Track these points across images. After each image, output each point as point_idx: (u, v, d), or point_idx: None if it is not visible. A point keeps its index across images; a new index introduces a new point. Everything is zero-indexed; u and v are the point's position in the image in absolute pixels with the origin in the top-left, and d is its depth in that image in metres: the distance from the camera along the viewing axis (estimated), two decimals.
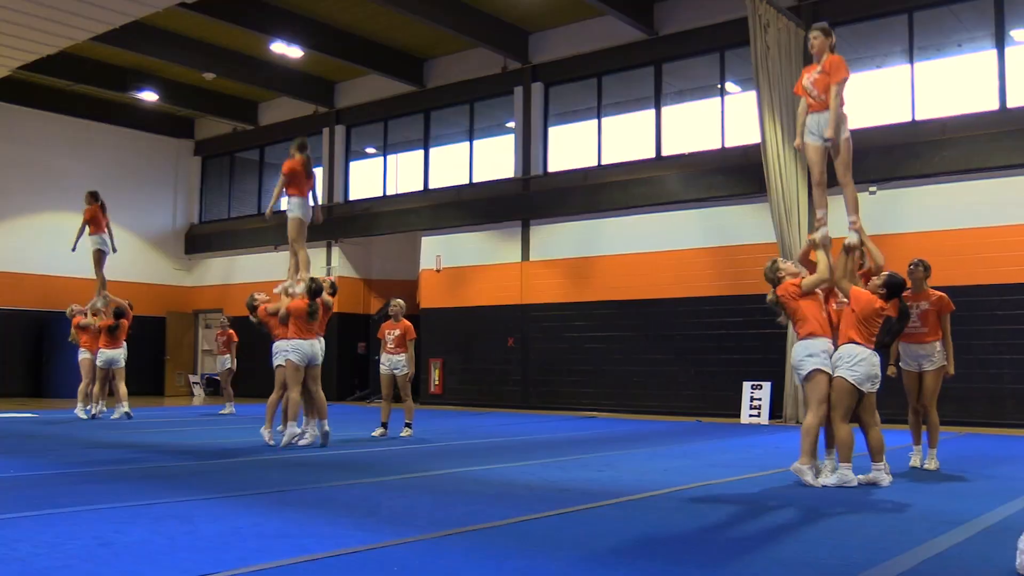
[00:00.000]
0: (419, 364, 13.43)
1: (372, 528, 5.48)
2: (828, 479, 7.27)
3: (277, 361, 10.81)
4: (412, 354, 12.36)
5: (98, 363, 15.33)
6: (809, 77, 8.07)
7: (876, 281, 7.57)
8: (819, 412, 7.37)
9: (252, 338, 22.14)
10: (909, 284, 8.71)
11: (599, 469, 8.64)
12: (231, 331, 17.88)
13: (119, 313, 15.59)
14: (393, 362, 12.20)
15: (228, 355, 17.70)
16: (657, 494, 6.99)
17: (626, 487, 7.35)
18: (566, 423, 15.49)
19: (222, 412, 16.98)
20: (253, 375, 22.95)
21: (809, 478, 7.31)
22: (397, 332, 12.19)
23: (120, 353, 15.42)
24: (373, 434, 12.11)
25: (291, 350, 10.67)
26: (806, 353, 7.45)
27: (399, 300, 12.67)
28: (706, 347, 16.85)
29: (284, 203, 11.93)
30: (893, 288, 7.54)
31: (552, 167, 19.75)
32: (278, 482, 7.64)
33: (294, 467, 8.86)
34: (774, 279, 7.76)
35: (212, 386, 25.83)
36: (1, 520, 5.58)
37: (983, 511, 6.22)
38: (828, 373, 7.37)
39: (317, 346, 10.88)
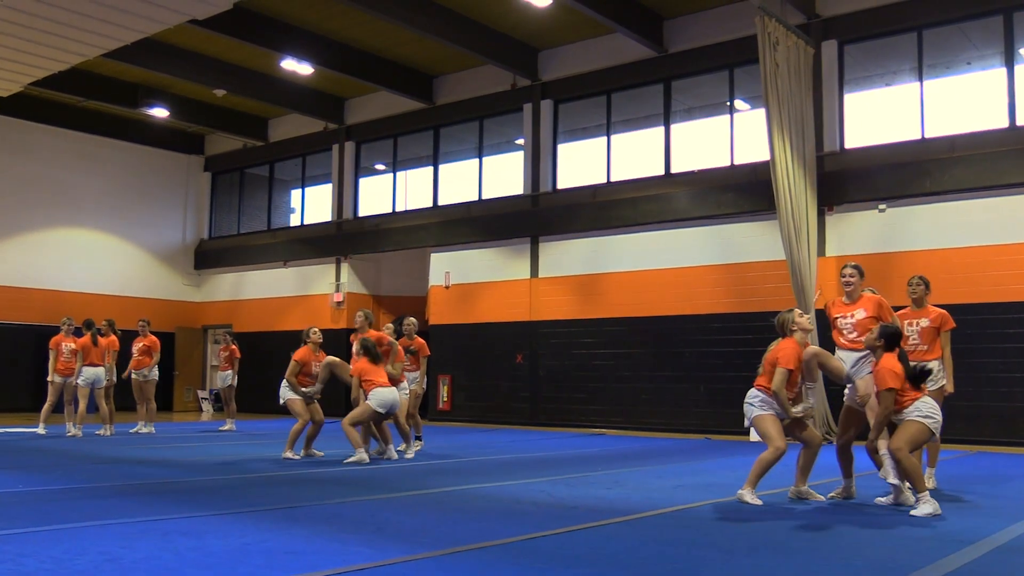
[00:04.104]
0: (427, 380, 13.54)
1: (380, 545, 5.47)
2: (922, 509, 6.90)
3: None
4: (424, 370, 12.71)
5: (80, 382, 14.84)
6: (845, 317, 7.89)
7: (871, 337, 7.35)
8: (776, 447, 7.40)
9: (256, 354, 22.33)
10: (908, 308, 8.67)
11: (608, 487, 8.61)
12: (234, 346, 17.79)
13: (90, 325, 15.32)
14: (409, 378, 12.36)
15: (230, 371, 17.51)
16: (666, 512, 6.97)
17: (635, 505, 7.33)
18: (574, 440, 15.45)
19: (222, 429, 16.82)
20: (256, 391, 22.99)
21: (749, 499, 7.36)
22: (412, 350, 12.40)
23: (104, 371, 15.08)
24: (412, 452, 12.15)
25: (373, 400, 10.74)
26: (747, 400, 7.76)
27: (412, 318, 12.82)
28: (715, 364, 16.80)
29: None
30: (890, 339, 7.25)
31: (561, 184, 19.77)
32: (286, 498, 7.63)
33: (302, 483, 8.85)
34: (783, 331, 7.70)
35: (220, 401, 25.83)
36: (8, 535, 5.59)
37: (994, 530, 6.18)
38: (768, 413, 7.55)
39: (396, 394, 11.07)
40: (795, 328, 7.64)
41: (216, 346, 26.38)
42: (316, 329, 11.97)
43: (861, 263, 8.29)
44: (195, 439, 14.83)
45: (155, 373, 15.98)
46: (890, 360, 7.14)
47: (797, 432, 7.68)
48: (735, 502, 7.46)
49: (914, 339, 8.46)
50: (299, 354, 11.63)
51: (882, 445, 7.38)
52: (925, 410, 7.11)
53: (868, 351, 7.55)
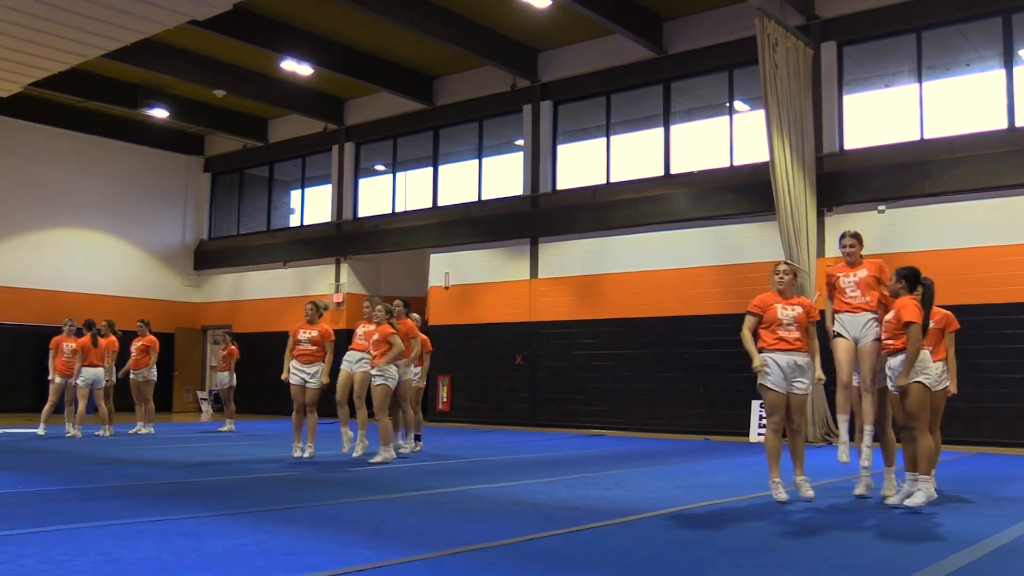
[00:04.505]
0: (427, 381, 13.55)
1: (379, 546, 5.47)
2: (916, 498, 7.11)
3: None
4: (427, 367, 12.83)
5: (79, 382, 14.82)
6: (847, 276, 7.89)
7: (892, 281, 7.46)
8: (771, 421, 7.66)
9: (256, 355, 22.31)
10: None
11: (607, 487, 8.61)
12: (233, 347, 17.75)
13: (90, 325, 15.33)
14: (411, 373, 12.33)
15: (228, 371, 17.42)
16: (666, 512, 6.96)
17: (634, 506, 7.33)
18: (574, 441, 15.45)
19: (221, 430, 16.80)
20: (255, 392, 22.99)
21: (774, 493, 7.54)
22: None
23: (103, 372, 15.08)
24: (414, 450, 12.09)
25: (390, 379, 10.87)
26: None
27: (415, 314, 12.79)
28: (715, 365, 16.80)
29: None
30: (911, 279, 7.43)
31: (561, 185, 19.77)
32: (285, 499, 7.63)
33: (301, 484, 8.85)
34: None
35: (219, 402, 25.78)
36: (7, 536, 5.59)
37: (994, 531, 6.18)
38: (770, 388, 7.62)
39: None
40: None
41: (216, 347, 26.40)
42: (308, 304, 11.97)
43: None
44: (194, 440, 14.82)
45: (153, 373, 15.97)
46: (912, 299, 7.27)
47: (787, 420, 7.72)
48: (734, 503, 7.47)
49: None
50: (292, 327, 11.84)
51: (868, 416, 7.53)
52: (919, 367, 7.20)
53: (874, 314, 7.68)
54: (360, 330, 11.60)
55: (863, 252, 8.16)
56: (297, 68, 20.08)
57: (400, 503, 7.41)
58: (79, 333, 15.22)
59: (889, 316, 7.48)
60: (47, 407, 15.27)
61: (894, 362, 7.39)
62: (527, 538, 5.75)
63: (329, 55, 19.85)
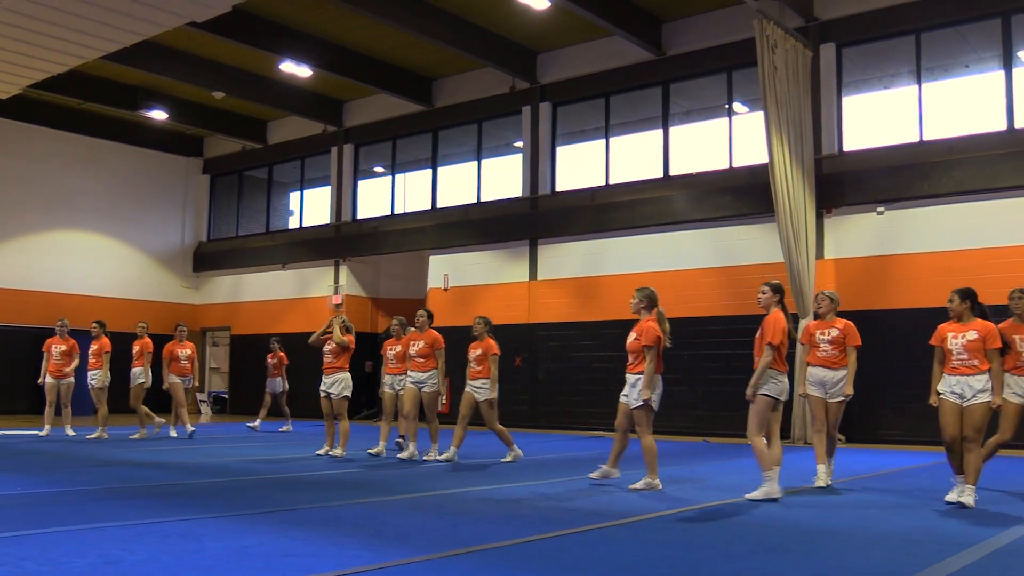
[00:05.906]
0: None
1: (379, 547, 5.47)
2: (967, 498, 7.42)
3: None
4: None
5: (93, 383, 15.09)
6: (823, 333, 8.82)
7: (960, 305, 7.93)
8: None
9: (256, 357, 22.28)
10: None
11: (607, 489, 8.61)
12: (282, 353, 18.24)
13: (102, 325, 15.43)
14: (415, 378, 12.27)
15: (280, 377, 18.12)
16: (664, 514, 6.97)
17: (633, 507, 7.33)
18: (573, 443, 15.45)
19: (282, 429, 17.63)
20: (254, 394, 22.98)
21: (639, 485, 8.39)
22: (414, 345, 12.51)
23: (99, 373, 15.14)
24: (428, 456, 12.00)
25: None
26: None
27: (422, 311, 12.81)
28: (713, 367, 16.80)
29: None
30: (777, 288, 8.36)
31: (560, 186, 19.77)
32: (285, 501, 7.63)
33: (301, 486, 8.85)
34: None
35: (219, 404, 25.81)
36: (7, 538, 5.58)
37: (992, 533, 6.18)
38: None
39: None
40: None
41: (215, 348, 26.46)
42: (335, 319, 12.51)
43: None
44: (194, 442, 14.82)
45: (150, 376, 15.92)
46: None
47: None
48: (733, 504, 7.47)
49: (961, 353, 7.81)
50: None
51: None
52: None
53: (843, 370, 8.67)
54: (390, 352, 12.67)
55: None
56: (296, 70, 20.08)
57: (400, 505, 7.41)
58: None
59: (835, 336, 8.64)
60: (47, 409, 15.34)
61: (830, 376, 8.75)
62: (527, 540, 5.75)
63: (328, 57, 19.85)
